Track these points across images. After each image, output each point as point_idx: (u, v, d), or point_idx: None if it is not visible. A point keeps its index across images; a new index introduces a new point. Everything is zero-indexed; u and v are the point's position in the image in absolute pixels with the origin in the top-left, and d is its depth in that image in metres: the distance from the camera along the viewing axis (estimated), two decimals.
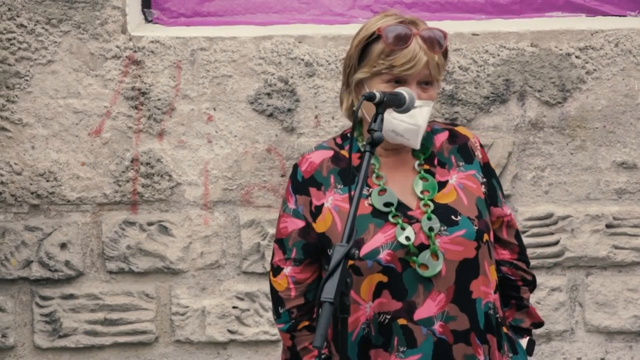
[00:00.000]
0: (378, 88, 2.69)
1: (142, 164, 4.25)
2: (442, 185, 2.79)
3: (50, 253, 4.29)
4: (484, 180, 2.85)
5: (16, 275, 4.31)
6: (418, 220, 2.73)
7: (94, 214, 4.29)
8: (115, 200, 4.28)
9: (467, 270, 2.74)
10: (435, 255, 2.71)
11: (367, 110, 2.75)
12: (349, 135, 2.87)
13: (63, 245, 4.30)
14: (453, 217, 2.74)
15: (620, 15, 4.41)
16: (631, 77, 4.21)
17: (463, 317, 2.73)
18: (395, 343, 2.72)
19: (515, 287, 2.94)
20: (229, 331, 4.32)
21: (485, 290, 2.77)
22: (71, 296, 4.32)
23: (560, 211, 4.28)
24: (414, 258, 2.70)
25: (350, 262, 2.55)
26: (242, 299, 4.31)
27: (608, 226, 4.27)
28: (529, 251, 3.86)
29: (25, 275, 4.31)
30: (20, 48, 4.20)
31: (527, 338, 2.96)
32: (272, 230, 4.15)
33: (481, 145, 2.91)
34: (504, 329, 2.87)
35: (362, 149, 2.80)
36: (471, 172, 2.83)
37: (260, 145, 4.25)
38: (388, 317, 2.72)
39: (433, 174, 2.80)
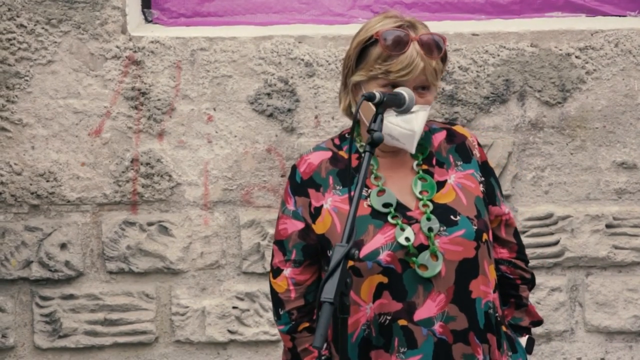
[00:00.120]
0: (375, 90, 2.69)
1: (142, 164, 4.25)
2: (440, 185, 2.79)
3: (50, 253, 4.29)
4: (482, 179, 2.85)
5: (16, 276, 4.31)
6: (417, 221, 2.73)
7: (94, 214, 4.29)
8: (115, 200, 4.27)
9: (467, 270, 2.74)
10: (434, 255, 2.71)
11: (364, 111, 2.75)
12: (347, 135, 2.86)
13: (63, 246, 4.30)
14: (452, 217, 2.74)
15: (620, 15, 4.40)
16: (631, 77, 4.21)
17: (462, 317, 2.73)
18: (396, 344, 2.72)
19: (514, 285, 2.94)
20: (229, 331, 4.32)
21: (484, 289, 2.77)
22: (71, 296, 4.32)
23: (560, 211, 4.28)
24: (414, 259, 2.70)
25: (351, 263, 2.55)
26: (242, 299, 4.31)
27: (608, 226, 4.27)
28: (529, 251, 3.86)
29: (25, 275, 4.31)
30: (20, 48, 4.20)
31: (527, 336, 2.96)
32: (272, 231, 4.15)
33: (479, 144, 2.90)
34: (503, 328, 2.87)
35: (360, 150, 2.80)
36: (469, 172, 2.83)
37: (260, 146, 4.25)
38: (388, 318, 2.72)
39: (432, 174, 2.80)
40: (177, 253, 4.29)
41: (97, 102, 4.23)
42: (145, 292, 4.33)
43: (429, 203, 2.75)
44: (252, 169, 4.26)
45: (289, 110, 4.23)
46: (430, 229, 2.71)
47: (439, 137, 2.86)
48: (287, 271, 2.84)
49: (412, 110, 2.67)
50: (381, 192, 2.76)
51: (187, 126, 4.25)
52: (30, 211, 4.29)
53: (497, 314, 2.82)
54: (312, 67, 4.21)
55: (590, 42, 4.20)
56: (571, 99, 4.22)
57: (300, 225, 2.82)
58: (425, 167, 2.81)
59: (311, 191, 2.81)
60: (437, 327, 2.71)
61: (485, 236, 2.78)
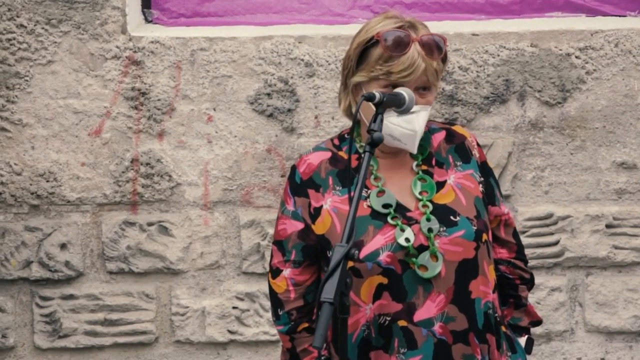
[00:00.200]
0: (375, 90, 2.68)
1: (142, 164, 4.25)
2: (440, 185, 2.79)
3: (50, 253, 4.29)
4: (482, 179, 2.85)
5: (16, 276, 4.31)
6: (417, 222, 2.72)
7: (94, 214, 4.29)
8: (115, 200, 4.27)
9: (467, 270, 2.74)
10: (434, 256, 2.71)
11: (364, 112, 2.75)
12: (346, 136, 2.86)
13: (63, 246, 4.30)
14: (452, 217, 2.74)
15: (620, 15, 4.40)
16: (631, 77, 4.21)
17: (462, 317, 2.73)
18: (396, 344, 2.72)
19: (514, 285, 2.93)
20: (229, 331, 4.32)
21: (484, 290, 2.77)
22: (71, 296, 4.32)
23: (560, 211, 4.28)
24: (414, 259, 2.70)
25: (350, 263, 2.55)
26: (242, 299, 4.31)
27: (608, 226, 4.27)
28: (529, 251, 3.86)
29: (25, 275, 4.31)
30: (20, 48, 4.20)
31: (526, 337, 2.96)
32: (271, 231, 4.15)
33: (478, 144, 2.90)
34: (503, 328, 2.87)
35: (360, 150, 2.80)
36: (469, 172, 2.83)
37: (260, 146, 4.25)
38: (388, 318, 2.72)
39: (431, 175, 2.80)
40: (177, 253, 4.29)
41: (97, 102, 4.23)
42: (145, 292, 4.33)
43: (429, 203, 2.75)
44: (252, 169, 4.26)
45: (289, 110, 4.23)
46: (430, 230, 2.71)
47: (439, 138, 2.86)
48: (287, 271, 2.84)
49: (413, 110, 2.67)
50: (381, 192, 2.76)
51: (187, 126, 4.25)
52: (30, 211, 4.29)
53: (496, 314, 2.82)
54: (312, 67, 4.21)
55: (590, 42, 4.20)
56: (571, 99, 4.22)
57: (299, 225, 2.81)
58: (424, 167, 2.81)
59: (311, 191, 2.80)
60: (436, 327, 2.71)
61: (484, 236, 2.77)
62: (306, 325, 2.86)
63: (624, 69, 4.21)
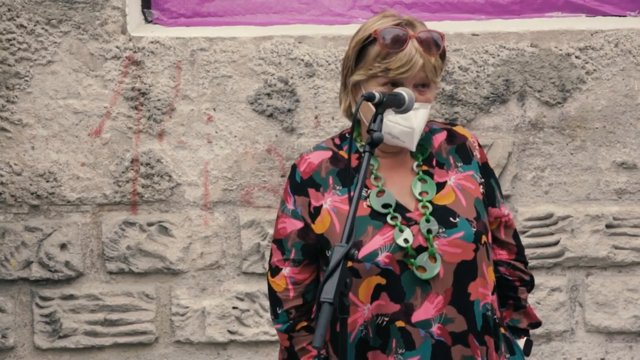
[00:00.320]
0: (374, 90, 2.69)
1: (142, 164, 4.25)
2: (440, 186, 2.79)
3: (50, 253, 4.29)
4: (482, 180, 2.84)
5: (16, 276, 4.31)
6: (416, 222, 2.72)
7: (94, 214, 4.29)
8: (115, 200, 4.27)
9: (465, 272, 2.73)
10: (433, 257, 2.70)
11: (364, 112, 2.75)
12: (347, 135, 2.86)
13: (63, 246, 4.30)
14: (451, 219, 2.74)
15: (620, 15, 4.40)
16: (631, 77, 4.21)
17: (461, 319, 2.73)
18: (394, 345, 2.72)
19: (513, 287, 2.93)
20: (229, 332, 4.32)
21: (483, 291, 2.76)
22: (71, 297, 4.32)
23: (560, 211, 4.28)
24: (412, 260, 2.69)
25: (349, 263, 2.55)
26: (242, 300, 4.31)
27: (608, 226, 4.27)
28: (529, 251, 3.86)
29: (25, 275, 4.31)
30: (20, 48, 4.20)
31: (525, 338, 2.95)
32: (271, 231, 4.15)
33: (479, 145, 2.90)
34: (502, 330, 2.87)
35: (360, 150, 2.80)
36: (469, 173, 2.83)
37: (260, 146, 4.25)
38: (386, 319, 2.72)
39: (432, 175, 2.80)
40: (177, 253, 4.29)
41: (97, 102, 4.23)
42: (145, 293, 4.33)
43: (429, 204, 2.75)
44: (252, 169, 4.26)
45: (289, 110, 4.23)
46: (429, 231, 2.71)
47: (440, 138, 2.86)
48: (286, 270, 2.84)
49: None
50: (380, 192, 2.76)
51: (187, 126, 4.25)
52: (30, 211, 4.29)
53: (495, 316, 2.82)
54: (312, 67, 4.21)
55: (590, 42, 4.20)
56: (571, 99, 4.22)
57: (299, 224, 2.81)
58: (425, 168, 2.81)
59: (311, 191, 2.80)
60: (435, 329, 2.71)
61: (484, 238, 2.77)
62: (305, 324, 2.86)
63: (624, 69, 4.21)
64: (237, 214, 4.28)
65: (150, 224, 4.29)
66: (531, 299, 4.12)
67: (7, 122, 4.24)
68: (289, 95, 4.23)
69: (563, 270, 4.31)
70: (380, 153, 2.80)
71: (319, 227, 2.78)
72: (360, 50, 2.75)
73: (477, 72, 4.20)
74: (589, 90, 4.22)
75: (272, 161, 4.25)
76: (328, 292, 2.29)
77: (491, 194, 2.87)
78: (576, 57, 4.20)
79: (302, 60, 4.21)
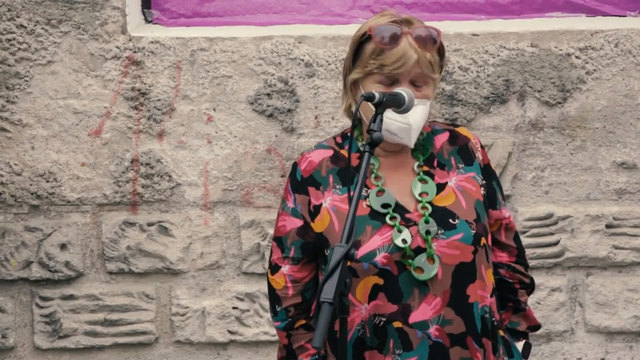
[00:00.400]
0: (371, 88, 2.70)
1: (142, 164, 4.25)
2: (440, 187, 2.78)
3: (50, 254, 4.29)
4: (484, 182, 2.84)
5: (16, 276, 4.31)
6: (415, 223, 2.72)
7: (94, 214, 4.29)
8: (115, 200, 4.27)
9: (464, 274, 2.73)
10: (431, 259, 2.70)
11: (364, 111, 2.75)
12: (349, 134, 2.86)
13: (63, 246, 4.30)
14: (451, 220, 2.73)
15: (620, 15, 4.40)
16: (631, 77, 4.21)
17: (459, 320, 2.73)
18: (391, 345, 2.72)
19: (513, 290, 2.92)
20: (229, 332, 4.32)
21: (481, 294, 2.76)
22: (71, 297, 4.32)
23: (560, 211, 4.28)
24: (410, 261, 2.69)
25: (347, 263, 2.55)
26: (242, 300, 4.31)
27: (608, 226, 4.27)
28: (529, 251, 3.86)
29: (25, 275, 4.31)
30: (20, 49, 4.20)
31: (524, 341, 2.95)
32: (272, 231, 4.15)
33: (482, 147, 2.89)
34: (500, 332, 2.86)
35: (361, 149, 2.80)
36: (471, 174, 2.82)
37: (260, 146, 4.25)
38: (383, 319, 2.72)
39: (432, 176, 2.80)
40: (177, 253, 4.29)
41: (97, 102, 4.23)
42: (145, 293, 4.33)
43: (428, 205, 2.75)
44: (252, 169, 4.26)
45: (289, 110, 4.23)
46: (427, 232, 2.71)
47: (442, 139, 2.85)
48: (285, 268, 2.85)
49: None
50: (380, 192, 2.76)
51: (187, 126, 4.25)
52: (30, 211, 4.29)
53: (493, 319, 2.81)
54: (312, 67, 4.21)
55: (590, 42, 4.20)
56: (571, 99, 4.22)
57: (299, 222, 2.82)
58: (426, 168, 2.80)
59: (311, 189, 2.81)
60: (432, 330, 2.71)
61: (483, 240, 2.77)
62: (303, 322, 2.87)
63: (624, 69, 4.21)
64: (237, 214, 4.28)
65: (150, 224, 4.29)
66: (531, 299, 4.12)
67: (7, 122, 4.24)
68: (289, 95, 4.23)
69: (563, 270, 4.31)
70: (381, 152, 2.80)
71: (318, 225, 2.78)
72: (357, 48, 2.75)
73: (477, 72, 4.20)
74: (589, 91, 4.22)
75: (272, 161, 4.25)
76: (328, 292, 2.29)
77: (492, 196, 2.86)
78: (576, 57, 4.20)
79: (302, 60, 4.21)
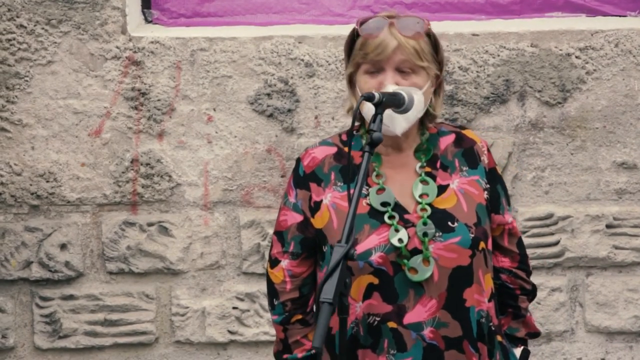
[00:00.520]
0: (361, 80, 2.72)
1: (142, 164, 4.25)
2: (442, 189, 2.78)
3: (50, 254, 4.29)
4: (488, 186, 2.82)
5: (16, 276, 4.31)
6: (413, 225, 2.72)
7: (94, 214, 4.29)
8: (115, 200, 4.27)
9: (461, 277, 2.72)
10: (427, 260, 2.70)
11: (366, 110, 2.75)
12: (355, 132, 2.86)
13: (63, 246, 4.30)
14: (450, 223, 2.73)
15: (620, 15, 4.40)
16: (631, 77, 4.21)
17: (455, 324, 2.72)
18: (385, 345, 2.72)
19: (513, 295, 2.91)
20: (229, 332, 4.32)
21: (478, 298, 2.75)
22: (71, 297, 4.32)
23: (561, 211, 4.28)
24: (405, 261, 2.69)
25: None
26: (242, 300, 4.31)
27: (608, 226, 4.27)
28: (529, 251, 3.85)
29: (25, 276, 4.31)
30: (20, 49, 4.20)
31: (522, 347, 2.93)
32: (272, 231, 4.14)
33: (489, 150, 2.87)
34: (499, 338, 2.84)
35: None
36: (474, 178, 2.81)
37: (260, 146, 4.25)
38: (377, 319, 2.72)
39: (434, 177, 2.79)
40: (177, 253, 4.29)
41: (97, 102, 4.23)
42: (145, 293, 4.33)
43: (427, 207, 2.74)
44: (252, 169, 4.26)
45: (289, 110, 4.23)
46: (425, 234, 2.70)
47: (447, 141, 2.85)
48: (284, 262, 2.85)
49: (389, 89, 2.67)
50: (381, 190, 2.76)
51: (187, 126, 4.25)
52: (30, 212, 4.29)
53: (490, 323, 2.80)
54: (312, 67, 4.21)
55: (590, 42, 4.20)
56: (571, 99, 4.22)
57: (299, 218, 2.82)
58: (428, 169, 2.80)
59: (312, 185, 2.81)
60: (427, 332, 2.71)
61: (482, 245, 2.76)
62: (300, 317, 2.87)
63: (624, 69, 4.21)
64: (237, 214, 4.28)
65: (150, 224, 4.29)
66: None
67: (7, 122, 4.24)
68: (289, 96, 4.23)
69: (563, 270, 4.31)
70: (382, 149, 2.79)
71: (317, 221, 2.79)
72: (351, 47, 2.78)
73: (477, 72, 4.20)
74: (589, 91, 4.21)
75: (272, 161, 4.25)
76: (328, 292, 2.29)
77: (496, 201, 2.84)
78: (576, 57, 4.20)
79: (302, 60, 4.21)
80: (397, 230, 2.70)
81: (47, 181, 4.25)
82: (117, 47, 4.21)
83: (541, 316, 4.25)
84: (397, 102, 2.63)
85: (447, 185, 2.78)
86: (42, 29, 4.20)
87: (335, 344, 2.75)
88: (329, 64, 4.21)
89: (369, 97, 2.54)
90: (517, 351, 2.92)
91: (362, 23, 2.75)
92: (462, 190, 2.78)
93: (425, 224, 2.71)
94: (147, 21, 4.43)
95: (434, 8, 4.41)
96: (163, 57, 4.22)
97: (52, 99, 4.23)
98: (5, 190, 4.26)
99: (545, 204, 4.28)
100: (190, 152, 4.25)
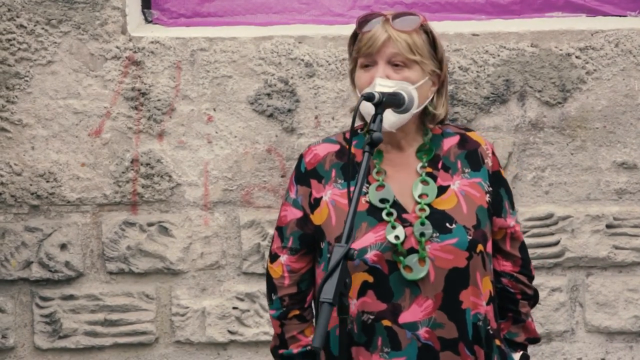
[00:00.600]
0: (359, 76, 2.74)
1: (142, 164, 4.25)
2: (442, 190, 2.77)
3: (50, 254, 4.29)
4: (490, 189, 2.81)
5: (16, 276, 4.31)
6: (411, 224, 2.72)
7: (94, 214, 4.29)
8: (115, 201, 4.27)
9: (457, 279, 2.72)
10: (422, 260, 2.70)
11: (366, 110, 2.76)
12: (359, 131, 2.87)
13: (63, 246, 4.30)
14: (447, 224, 2.72)
15: (620, 15, 4.40)
16: (631, 77, 4.21)
17: (451, 325, 2.72)
18: (379, 343, 2.72)
19: (514, 300, 2.90)
20: (229, 332, 4.32)
21: (475, 301, 2.75)
22: (71, 297, 4.32)
23: (561, 211, 4.27)
24: (400, 258, 2.69)
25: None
26: (242, 300, 4.31)
27: (608, 226, 4.27)
28: (530, 251, 3.85)
29: (25, 276, 4.31)
30: (20, 49, 4.20)
31: (521, 352, 2.92)
32: (272, 231, 4.15)
33: (494, 153, 2.86)
34: (497, 342, 2.83)
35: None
36: (476, 180, 2.80)
37: (261, 146, 4.25)
38: (371, 317, 2.72)
39: (435, 178, 2.78)
40: (177, 253, 4.29)
41: (97, 102, 4.23)
42: (146, 293, 4.33)
43: (426, 207, 2.74)
44: (252, 169, 4.26)
45: (289, 110, 4.23)
46: (422, 234, 2.70)
47: (450, 142, 2.84)
48: (284, 258, 2.86)
49: (378, 83, 2.67)
50: (380, 187, 2.76)
51: (187, 126, 4.25)
52: (30, 212, 4.29)
53: (488, 327, 2.79)
54: (312, 67, 4.21)
55: (591, 42, 4.20)
56: (571, 99, 4.22)
57: (298, 214, 2.83)
58: (429, 170, 2.79)
59: (313, 182, 2.82)
60: (422, 332, 2.71)
61: (480, 247, 2.75)
62: (297, 312, 2.88)
63: (624, 69, 4.21)
64: (237, 214, 4.28)
65: (150, 224, 4.29)
66: None
67: (7, 122, 4.24)
68: (289, 96, 4.23)
69: (563, 270, 4.31)
70: (383, 146, 2.79)
71: (317, 218, 2.79)
72: (352, 45, 2.80)
73: (477, 72, 4.20)
74: (589, 90, 4.21)
75: (272, 161, 4.25)
76: (328, 292, 2.30)
77: (498, 204, 2.83)
78: (576, 57, 4.20)
79: (302, 60, 4.21)
80: (394, 227, 2.70)
81: (47, 181, 4.25)
82: (117, 47, 4.21)
83: (541, 316, 4.25)
84: (397, 102, 2.63)
85: (448, 186, 2.78)
86: (42, 29, 4.20)
87: (330, 342, 2.76)
88: (329, 64, 4.21)
89: (368, 97, 2.55)
90: (516, 356, 2.91)
91: (360, 20, 2.76)
92: (463, 192, 2.78)
93: (422, 224, 2.71)
94: (147, 21, 4.43)
95: (434, 8, 4.41)
96: (163, 57, 4.22)
97: (52, 99, 4.23)
98: (5, 190, 4.26)
99: (546, 204, 4.28)
100: (190, 152, 4.25)
